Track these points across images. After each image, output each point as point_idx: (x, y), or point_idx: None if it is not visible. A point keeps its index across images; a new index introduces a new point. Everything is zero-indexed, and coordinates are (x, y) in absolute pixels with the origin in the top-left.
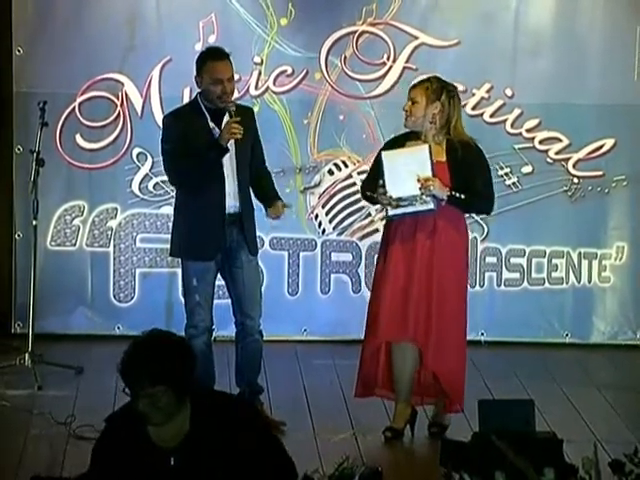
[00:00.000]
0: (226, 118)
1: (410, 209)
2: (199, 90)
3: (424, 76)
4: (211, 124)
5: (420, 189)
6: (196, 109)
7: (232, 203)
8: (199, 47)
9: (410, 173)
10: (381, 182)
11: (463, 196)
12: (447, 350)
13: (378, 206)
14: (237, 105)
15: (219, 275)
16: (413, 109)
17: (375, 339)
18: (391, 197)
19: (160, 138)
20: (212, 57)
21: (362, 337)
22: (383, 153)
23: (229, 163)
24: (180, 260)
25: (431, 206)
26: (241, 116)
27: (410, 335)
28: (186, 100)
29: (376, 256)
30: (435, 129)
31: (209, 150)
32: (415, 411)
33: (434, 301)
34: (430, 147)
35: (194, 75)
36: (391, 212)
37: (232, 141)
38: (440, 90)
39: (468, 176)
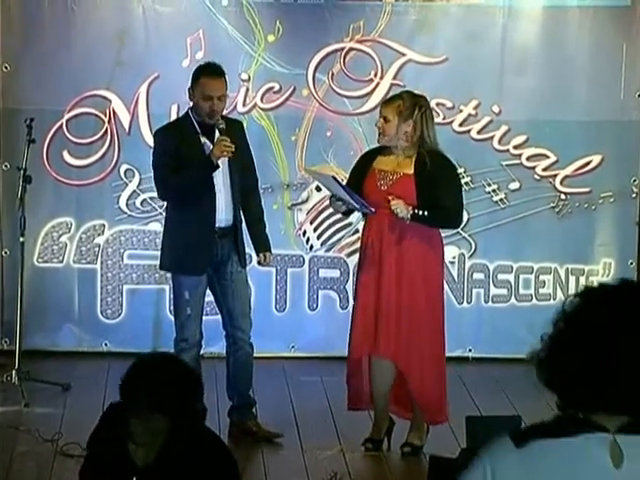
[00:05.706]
0: (217, 133)
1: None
2: (190, 104)
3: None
4: (202, 138)
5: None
6: (187, 123)
7: (224, 217)
8: (186, 64)
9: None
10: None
11: (426, 213)
12: (421, 364)
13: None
14: (226, 119)
15: (207, 289)
16: (386, 127)
17: (350, 355)
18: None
19: (152, 152)
20: (206, 73)
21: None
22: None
23: (221, 177)
24: (170, 274)
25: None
26: (230, 130)
27: (381, 350)
28: (174, 117)
29: None
30: (407, 144)
31: (200, 166)
32: (392, 422)
33: (403, 315)
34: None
35: (188, 88)
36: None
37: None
38: (412, 108)
39: (435, 191)
